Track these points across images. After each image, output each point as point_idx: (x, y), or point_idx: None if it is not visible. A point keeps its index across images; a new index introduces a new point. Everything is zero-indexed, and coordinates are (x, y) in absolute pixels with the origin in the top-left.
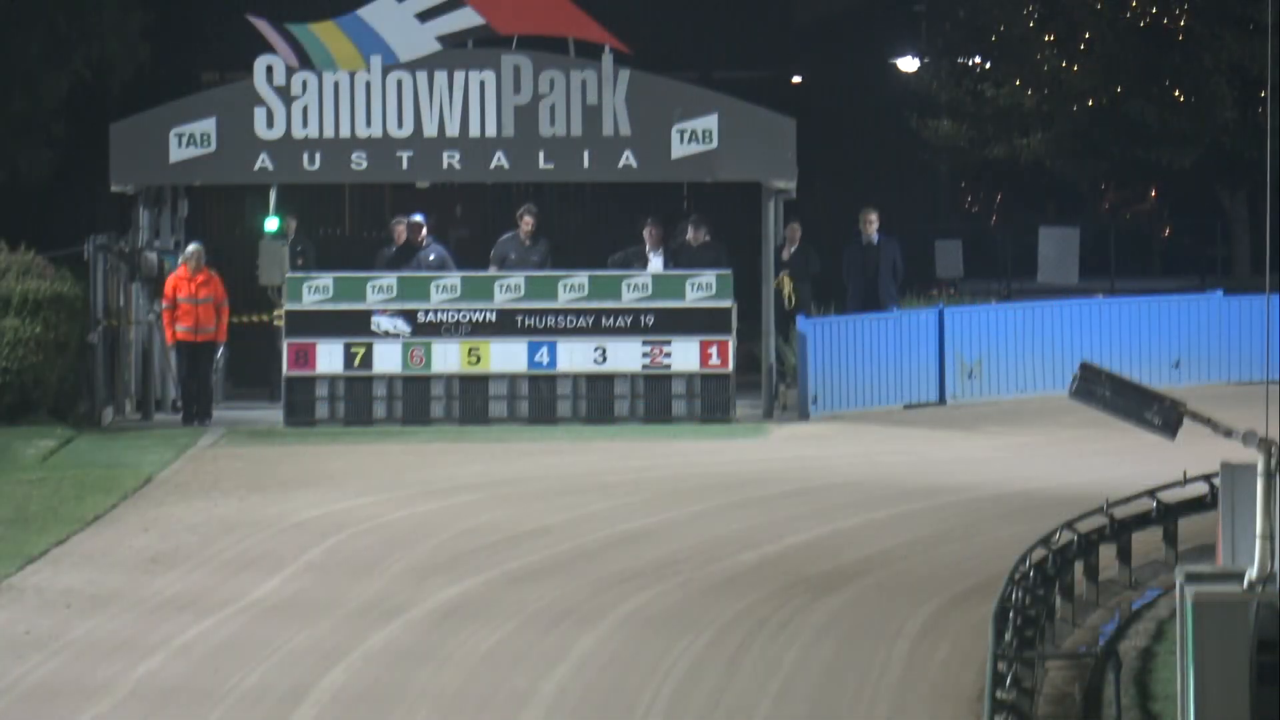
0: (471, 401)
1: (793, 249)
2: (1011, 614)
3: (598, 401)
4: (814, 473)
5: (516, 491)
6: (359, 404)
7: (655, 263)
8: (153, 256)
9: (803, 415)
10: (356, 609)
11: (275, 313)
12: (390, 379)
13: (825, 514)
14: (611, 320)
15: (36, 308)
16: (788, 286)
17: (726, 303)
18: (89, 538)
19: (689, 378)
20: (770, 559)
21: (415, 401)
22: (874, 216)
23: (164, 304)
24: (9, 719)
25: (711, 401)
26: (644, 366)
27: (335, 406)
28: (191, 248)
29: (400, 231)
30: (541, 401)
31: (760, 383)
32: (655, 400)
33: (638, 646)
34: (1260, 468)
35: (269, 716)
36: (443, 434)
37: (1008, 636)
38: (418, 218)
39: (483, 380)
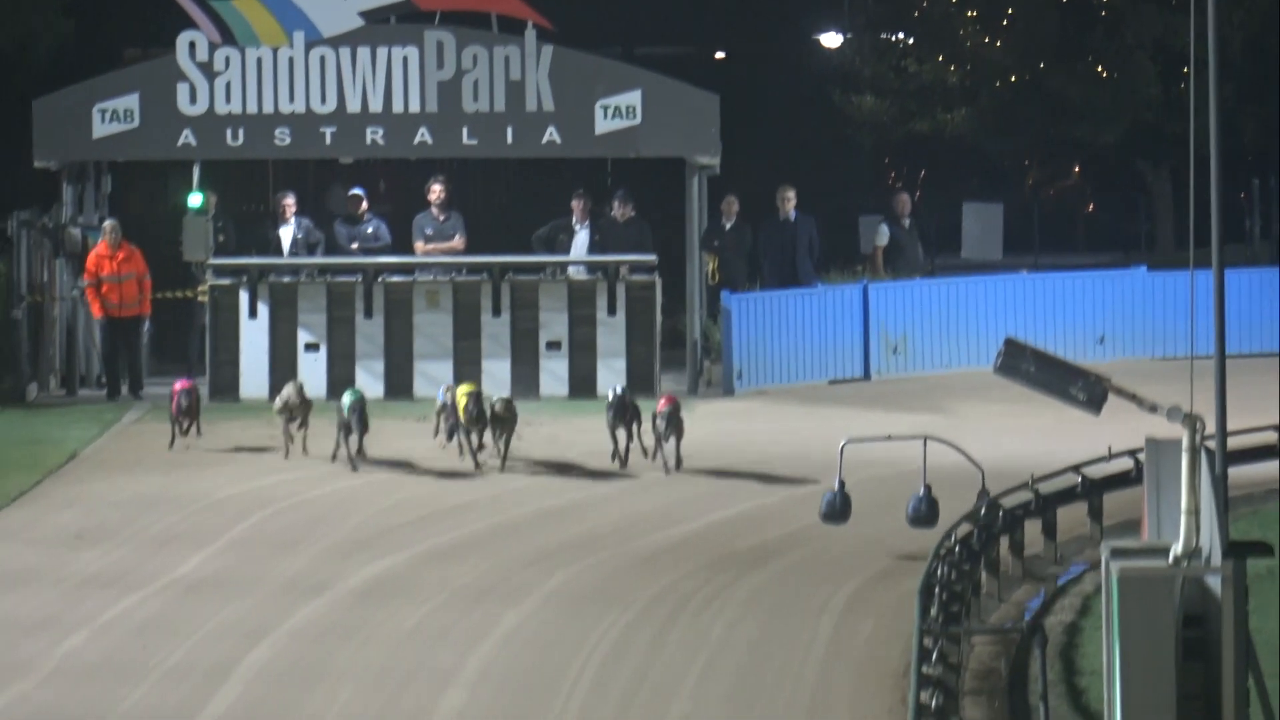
0: (395, 375)
1: (730, 223)
2: (937, 589)
3: (523, 376)
4: (739, 448)
5: (437, 467)
6: (283, 380)
7: (582, 235)
8: (76, 232)
9: (727, 391)
10: (280, 586)
11: (199, 288)
12: (315, 355)
13: (748, 490)
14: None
15: None
16: (712, 263)
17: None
18: (11, 514)
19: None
20: (694, 535)
21: (340, 375)
22: (791, 194)
23: (86, 281)
24: None
25: (636, 377)
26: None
27: (259, 383)
28: (107, 224)
29: (288, 206)
30: (467, 377)
31: (685, 359)
32: (578, 375)
33: (562, 623)
34: (1185, 443)
35: (193, 694)
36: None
37: (933, 612)
38: (358, 191)
39: (407, 357)
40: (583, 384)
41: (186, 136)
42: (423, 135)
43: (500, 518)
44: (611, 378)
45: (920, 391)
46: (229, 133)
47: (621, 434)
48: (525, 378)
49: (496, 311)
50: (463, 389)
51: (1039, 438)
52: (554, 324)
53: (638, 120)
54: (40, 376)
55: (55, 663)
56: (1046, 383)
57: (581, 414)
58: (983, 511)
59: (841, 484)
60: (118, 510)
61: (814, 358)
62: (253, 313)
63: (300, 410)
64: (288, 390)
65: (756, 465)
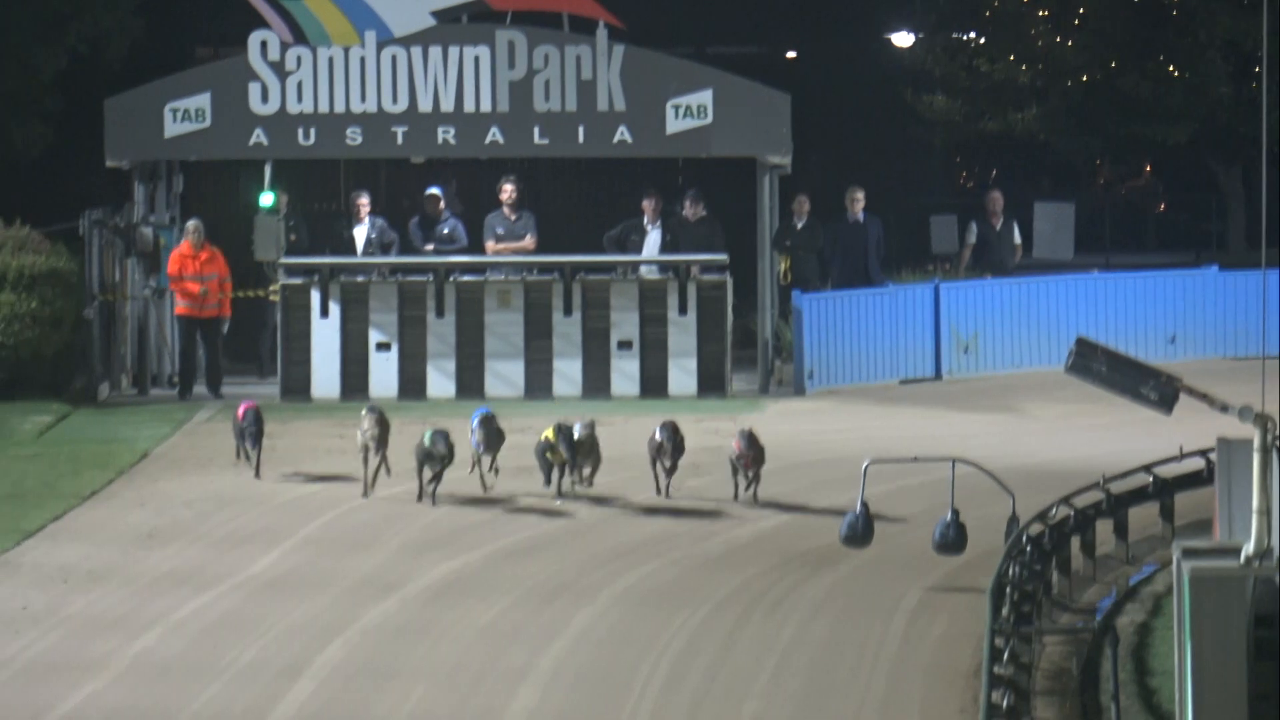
0: (467, 374)
1: (802, 222)
2: (1009, 589)
3: (594, 376)
4: (809, 448)
5: (512, 465)
6: (354, 379)
7: (653, 236)
8: (148, 231)
9: (798, 391)
10: (352, 585)
11: (271, 288)
12: (386, 355)
13: (821, 489)
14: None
15: (32, 283)
16: (784, 263)
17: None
18: (85, 513)
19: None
20: (766, 534)
21: (411, 374)
22: (860, 195)
23: (170, 279)
24: (6, 695)
25: (707, 376)
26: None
27: (330, 382)
28: (191, 224)
29: (362, 205)
30: (538, 377)
31: (756, 358)
32: (650, 374)
33: (634, 622)
34: (1256, 443)
35: (265, 692)
36: (437, 409)
37: (1005, 612)
38: (435, 190)
39: (479, 357)
40: (654, 383)
41: (258, 136)
42: (494, 135)
43: (573, 517)
44: (683, 377)
45: (991, 391)
46: (300, 132)
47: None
48: (597, 377)
49: (568, 311)
50: (548, 431)
51: (1110, 437)
52: (625, 323)
53: (709, 120)
54: (112, 376)
55: (128, 661)
56: (1118, 382)
57: (653, 413)
58: (1010, 540)
59: (865, 506)
60: (189, 509)
61: (885, 357)
62: (324, 312)
63: (380, 442)
64: (367, 424)
65: (828, 465)
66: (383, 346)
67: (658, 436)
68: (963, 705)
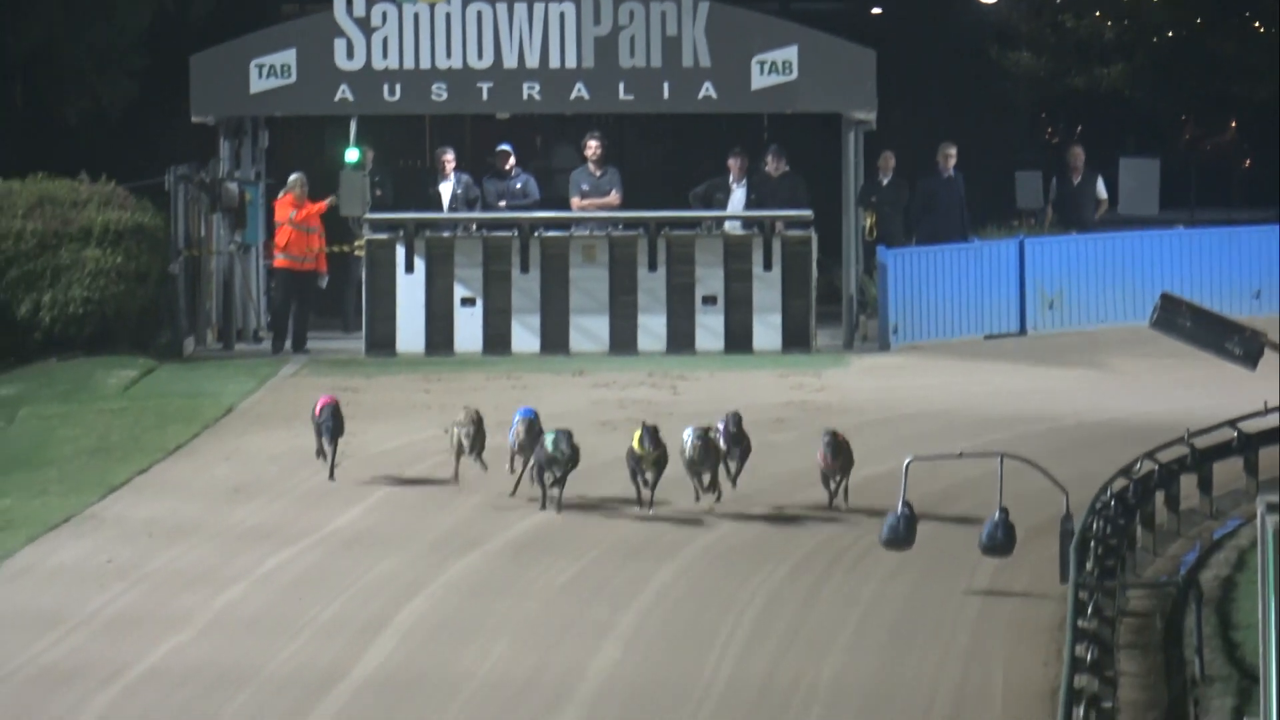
0: (551, 330)
1: (887, 178)
2: (1092, 543)
3: (679, 332)
4: (894, 403)
5: (594, 421)
6: (439, 335)
7: (738, 193)
8: (233, 187)
9: (883, 346)
10: (434, 541)
11: (356, 243)
12: (470, 310)
13: (905, 444)
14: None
15: (118, 238)
16: (869, 219)
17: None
18: (170, 467)
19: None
20: (851, 489)
21: (496, 330)
22: (952, 151)
23: (276, 220)
24: (92, 647)
25: (792, 331)
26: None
27: (415, 338)
28: (294, 177)
29: (447, 162)
30: (622, 332)
31: (840, 314)
32: (734, 330)
33: (716, 579)
34: None
35: (348, 647)
36: (521, 364)
37: (1089, 566)
38: (505, 147)
39: (564, 312)
40: (739, 339)
41: (343, 92)
42: (579, 91)
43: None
44: (767, 332)
45: (1076, 346)
46: (386, 88)
47: (706, 475)
48: (681, 332)
49: (653, 266)
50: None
51: (1194, 392)
52: (710, 279)
53: (794, 75)
54: (197, 331)
55: (213, 615)
56: (1202, 337)
57: (737, 368)
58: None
59: (907, 506)
60: (274, 464)
61: (970, 313)
62: (409, 267)
63: (476, 442)
64: (462, 418)
65: (913, 420)
66: (467, 302)
67: (686, 442)
68: (1046, 658)
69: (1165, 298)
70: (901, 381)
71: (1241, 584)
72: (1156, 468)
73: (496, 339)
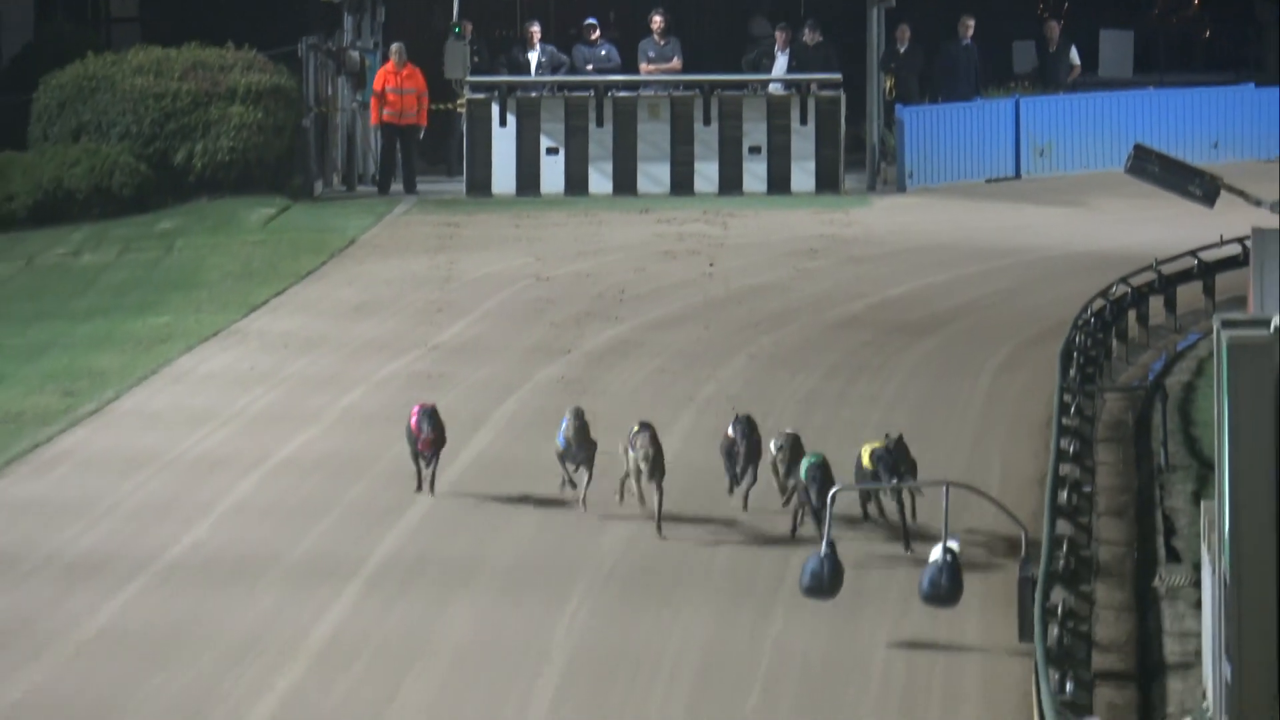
0: (622, 174)
1: (904, 46)
2: (1075, 354)
3: (728, 176)
4: (910, 235)
5: (657, 250)
6: (528, 178)
7: (781, 60)
8: (355, 55)
9: (900, 188)
10: (526, 350)
11: (458, 102)
12: (554, 158)
13: (920, 270)
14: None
15: (258, 97)
16: (889, 81)
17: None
18: (302, 290)
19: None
20: (874, 308)
21: (575, 174)
22: (971, 21)
23: (374, 93)
24: (239, 440)
25: (824, 175)
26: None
27: (508, 181)
28: (395, 46)
29: (534, 33)
30: (681, 176)
31: (865, 161)
32: (775, 174)
33: (763, 381)
34: None
35: (455, 438)
36: (597, 203)
37: (1072, 373)
38: (591, 20)
39: (632, 160)
40: (779, 182)
41: None
42: None
43: (711, 293)
44: (803, 177)
45: (1062, 188)
46: None
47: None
48: (730, 177)
49: (707, 121)
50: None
51: (1162, 227)
52: (755, 132)
53: None
54: (325, 175)
55: (338, 413)
56: (1169, 181)
57: (777, 207)
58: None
59: (831, 546)
60: (390, 287)
61: (973, 160)
62: (503, 122)
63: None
64: (640, 443)
65: (927, 250)
66: (552, 151)
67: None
68: (1035, 450)
69: (1138, 148)
70: (916, 217)
71: (1200, 388)
72: (1129, 290)
73: (576, 182)
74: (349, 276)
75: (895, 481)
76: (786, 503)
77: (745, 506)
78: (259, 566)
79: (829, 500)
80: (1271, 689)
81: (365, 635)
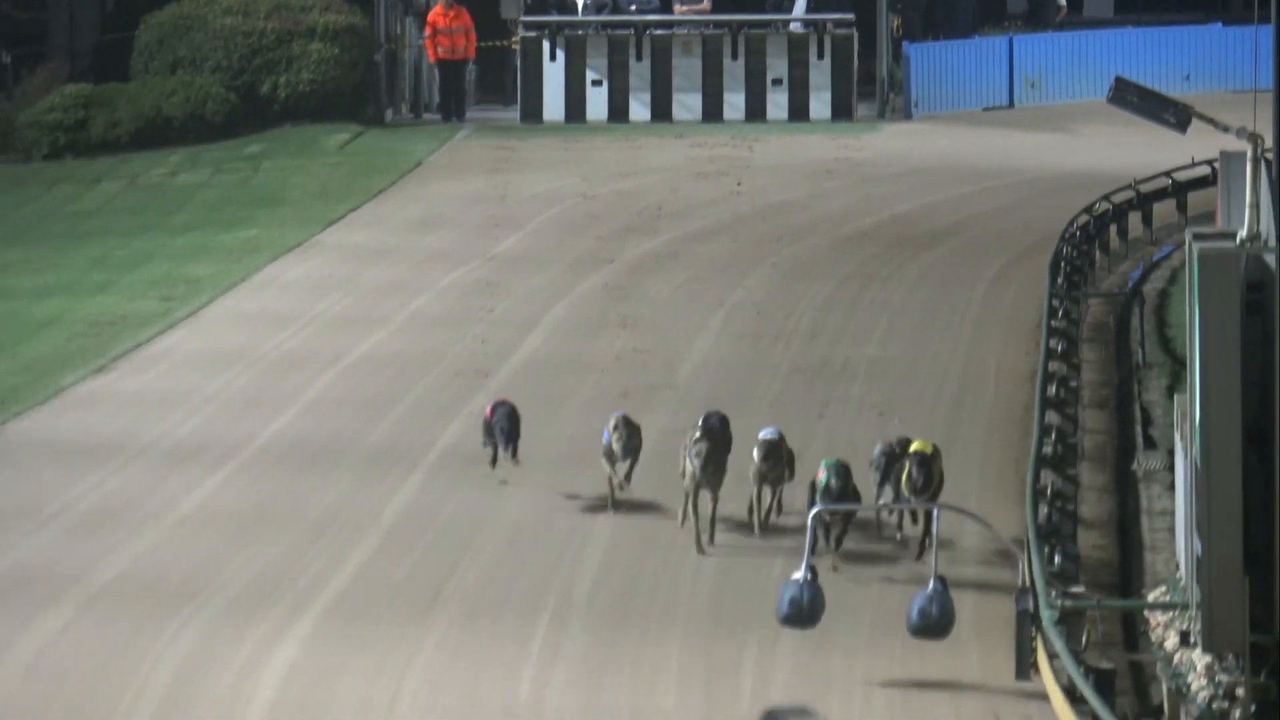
0: (659, 103)
1: None
2: (1062, 264)
3: (753, 105)
4: (916, 158)
5: (691, 172)
6: (575, 107)
7: (800, 1)
8: None
9: (907, 116)
10: (573, 260)
11: (513, 38)
12: (599, 89)
13: (924, 189)
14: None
15: (335, 35)
16: (897, 20)
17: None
18: (374, 207)
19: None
20: (883, 223)
21: (617, 103)
22: None
23: (426, 33)
24: (318, 340)
25: (839, 104)
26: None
27: (557, 109)
28: None
29: None
30: (711, 105)
31: (875, 92)
32: (795, 104)
33: (784, 288)
34: (1249, 155)
35: (510, 339)
36: (636, 130)
37: (1060, 280)
38: None
39: (668, 91)
40: (798, 111)
41: None
42: None
43: (738, 210)
44: (820, 106)
45: (1051, 117)
46: None
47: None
48: (755, 106)
49: (734, 56)
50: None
51: (1140, 151)
52: (777, 66)
53: None
54: (394, 104)
55: (406, 316)
56: (1146, 110)
57: (797, 133)
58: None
59: (811, 572)
60: (452, 204)
61: (971, 91)
62: (553, 57)
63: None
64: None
65: (930, 171)
66: (596, 83)
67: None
68: (1027, 349)
69: (1118, 80)
70: (921, 142)
71: (1173, 294)
72: (1110, 206)
73: (618, 110)
74: (415, 195)
75: (881, 503)
76: (765, 525)
77: (764, 526)
78: (335, 454)
79: (809, 522)
80: (1237, 561)
81: (430, 515)
